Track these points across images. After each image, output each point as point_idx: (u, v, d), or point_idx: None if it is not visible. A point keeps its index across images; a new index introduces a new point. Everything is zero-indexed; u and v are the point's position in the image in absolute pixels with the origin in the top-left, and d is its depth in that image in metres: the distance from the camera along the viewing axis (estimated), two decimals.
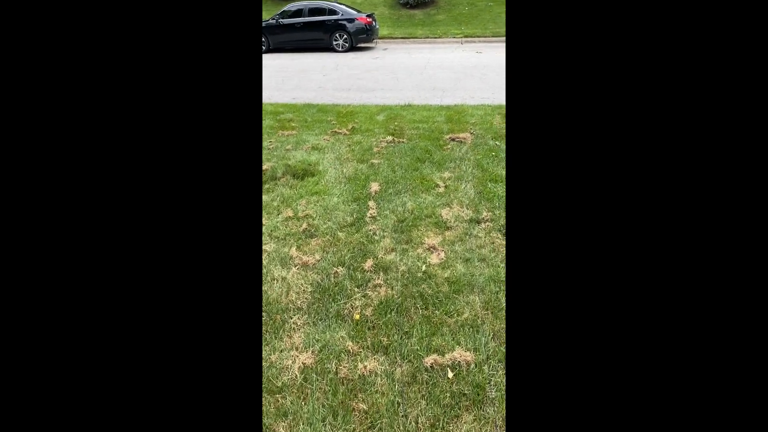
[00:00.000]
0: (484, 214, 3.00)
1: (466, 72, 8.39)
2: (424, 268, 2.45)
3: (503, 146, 4.27)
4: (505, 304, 2.14)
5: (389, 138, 4.59)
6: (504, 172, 3.69)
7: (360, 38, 11.82)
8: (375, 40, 13.09)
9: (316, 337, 1.98)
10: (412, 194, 3.34)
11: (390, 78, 7.99)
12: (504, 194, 3.29)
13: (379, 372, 1.79)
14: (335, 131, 4.96)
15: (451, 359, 1.82)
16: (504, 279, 2.34)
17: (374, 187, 3.46)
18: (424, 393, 1.70)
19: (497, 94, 6.69)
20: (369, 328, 2.03)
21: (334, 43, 11.63)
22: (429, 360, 1.81)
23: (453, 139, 4.52)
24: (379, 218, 3.03)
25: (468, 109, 5.75)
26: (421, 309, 2.15)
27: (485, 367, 1.80)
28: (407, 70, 8.77)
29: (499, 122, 5.10)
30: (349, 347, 1.90)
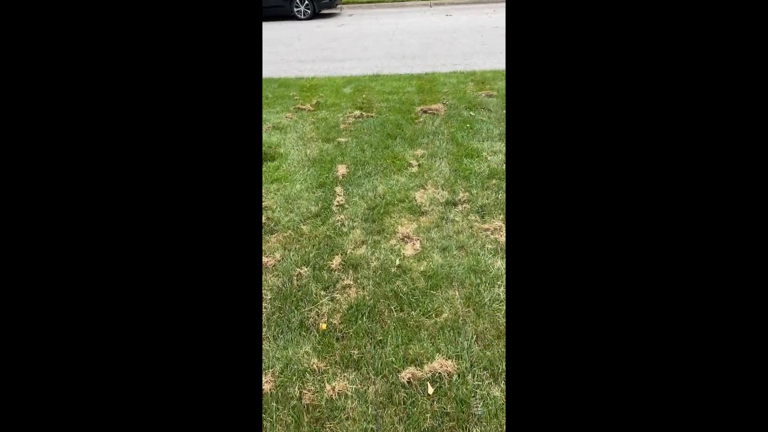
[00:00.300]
0: (461, 194, 2.75)
1: (437, 37, 7.95)
2: (398, 261, 2.20)
3: (478, 116, 4.01)
4: (486, 299, 1.94)
5: (357, 113, 4.24)
6: (480, 145, 3.43)
7: (323, 4, 11.06)
8: (339, 6, 12.32)
9: (277, 355, 1.72)
10: (383, 176, 3.06)
11: (356, 47, 7.48)
12: (480, 170, 3.04)
13: (349, 393, 1.56)
14: (299, 107, 4.55)
15: (430, 371, 1.61)
16: (483, 269, 2.13)
17: (341, 170, 3.15)
18: (401, 415, 1.48)
19: (469, 60, 6.34)
20: (337, 339, 1.79)
21: (296, 10, 10.84)
22: (406, 374, 1.59)
23: (425, 111, 4.20)
24: (347, 206, 2.74)
25: (440, 78, 5.40)
26: (396, 311, 1.92)
27: (469, 378, 1.60)
28: (374, 37, 8.25)
29: (472, 90, 4.80)
30: (315, 365, 1.65)
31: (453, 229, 2.44)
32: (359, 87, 5.17)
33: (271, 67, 6.42)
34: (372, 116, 4.17)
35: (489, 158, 3.20)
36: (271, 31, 9.28)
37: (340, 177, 3.06)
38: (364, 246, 2.34)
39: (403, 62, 6.44)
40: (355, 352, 1.71)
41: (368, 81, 5.42)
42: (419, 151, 3.38)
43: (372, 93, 4.90)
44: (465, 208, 2.63)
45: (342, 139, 3.67)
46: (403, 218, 2.56)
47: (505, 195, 2.72)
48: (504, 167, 3.07)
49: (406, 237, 2.38)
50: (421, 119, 4.02)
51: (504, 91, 4.66)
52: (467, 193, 2.75)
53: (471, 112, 4.13)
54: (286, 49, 7.56)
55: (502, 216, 2.52)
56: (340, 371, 1.64)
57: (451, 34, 8.03)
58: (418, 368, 1.62)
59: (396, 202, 2.72)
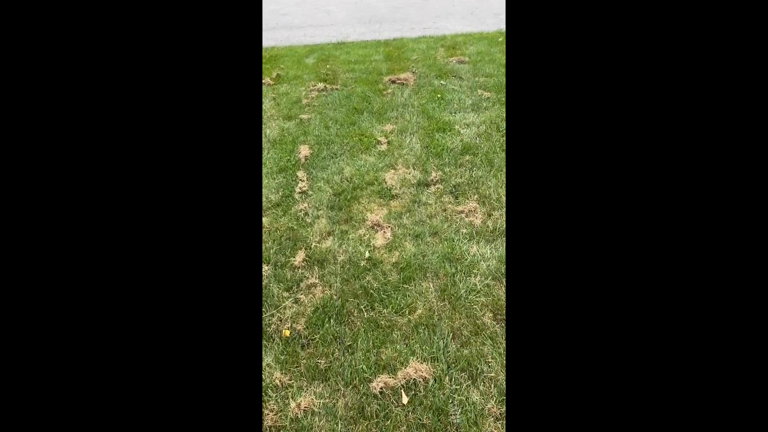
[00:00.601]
0: (433, 174, 2.57)
1: (405, 0, 7.52)
2: (367, 254, 2.03)
3: (449, 85, 3.78)
4: (462, 291, 1.81)
5: (321, 85, 3.93)
6: (452, 118, 3.23)
7: None
8: None
9: None
10: (349, 156, 2.84)
11: (319, 11, 6.97)
12: (453, 146, 2.86)
13: (317, 409, 1.41)
14: None
15: (404, 378, 1.48)
16: (459, 257, 1.99)
17: (304, 151, 2.91)
18: (374, 431, 1.37)
19: (440, 23, 6.00)
20: (302, 347, 1.63)
21: None
22: (378, 383, 1.46)
23: (393, 81, 3.93)
24: (311, 192, 2.53)
25: (408, 44, 5.08)
26: (366, 310, 1.77)
27: (446, 381, 1.48)
28: (339, 0, 7.72)
29: (443, 56, 4.53)
30: (278, 379, 1.50)
31: (426, 213, 2.28)
32: (323, 56, 4.81)
33: None
34: (337, 89, 3.88)
35: (462, 132, 3.01)
36: None
37: (303, 159, 2.82)
38: (331, 238, 2.15)
39: (369, 27, 6.04)
40: (322, 361, 1.56)
41: (332, 50, 5.06)
42: (388, 127, 3.15)
43: (337, 63, 4.56)
44: (438, 188, 2.46)
45: (305, 116, 3.39)
46: (373, 203, 2.38)
47: (480, 173, 2.56)
48: (478, 140, 2.90)
49: (376, 225, 2.20)
50: (390, 90, 3.76)
51: (476, 57, 4.42)
52: (440, 172, 2.58)
53: (442, 81, 3.89)
54: None
55: (477, 196, 2.37)
56: (305, 384, 1.50)
57: None
58: (391, 375, 1.49)
59: (364, 185, 2.52)
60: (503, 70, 3.97)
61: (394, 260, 1.98)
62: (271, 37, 5.87)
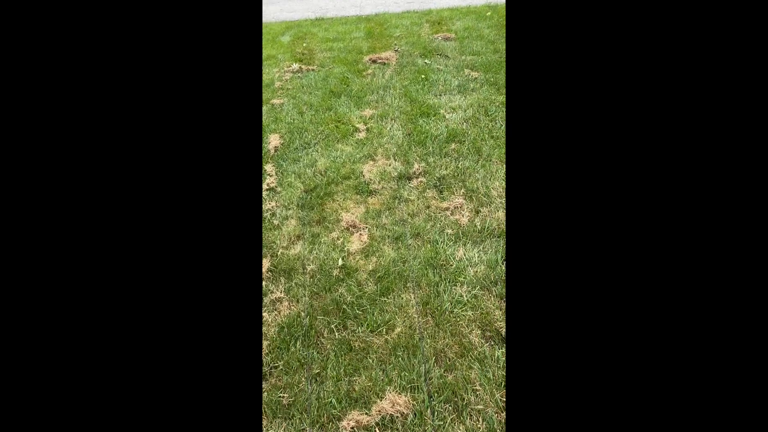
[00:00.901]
0: (416, 165, 2.32)
1: None
2: (341, 261, 1.80)
3: (434, 64, 3.48)
4: (447, 303, 1.59)
5: (296, 66, 3.61)
6: (437, 101, 2.96)
7: None
8: None
9: None
10: (324, 146, 2.57)
11: None
12: (438, 132, 2.60)
13: None
14: None
15: (379, 414, 1.28)
16: (443, 262, 1.77)
17: (274, 141, 2.63)
18: None
19: None
20: (264, 377, 1.42)
21: None
22: (349, 422, 1.25)
23: (374, 61, 3.62)
24: (280, 189, 2.27)
25: (391, 19, 4.73)
26: (338, 329, 1.55)
27: (428, 416, 1.29)
28: None
29: (428, 33, 4.21)
30: None
31: (407, 210, 2.04)
32: (299, 34, 4.45)
33: None
34: (313, 69, 3.56)
35: (447, 116, 2.75)
36: None
37: (272, 150, 2.54)
38: (300, 242, 1.91)
39: (350, 2, 5.64)
40: (286, 395, 1.34)
41: (310, 26, 4.69)
42: (368, 112, 2.87)
43: (314, 41, 4.22)
44: (421, 182, 2.22)
45: (276, 101, 3.09)
46: (349, 200, 2.13)
47: (467, 163, 2.32)
48: (464, 126, 2.65)
49: (351, 226, 1.97)
50: (370, 71, 3.45)
51: (462, 33, 4.11)
52: (423, 163, 2.33)
53: (426, 60, 3.58)
54: None
55: (463, 190, 2.13)
56: (266, 423, 1.29)
57: None
58: (365, 410, 1.29)
59: (340, 179, 2.27)
60: (491, 47, 3.68)
61: (371, 268, 1.76)
62: None
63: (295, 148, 2.53)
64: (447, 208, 2.02)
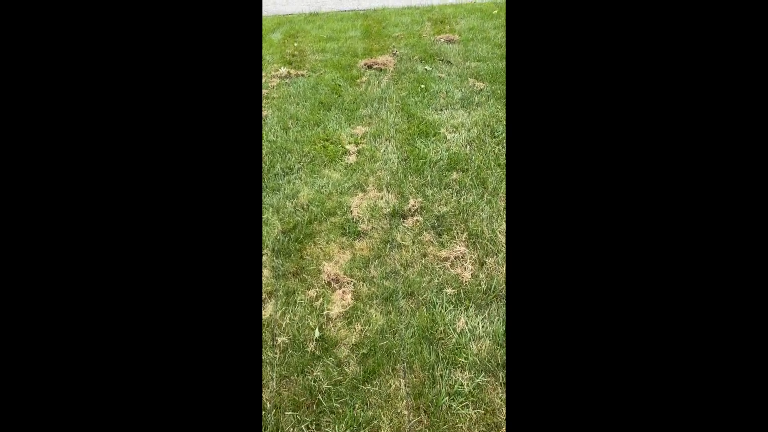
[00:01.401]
0: (412, 201, 1.98)
1: None
2: (318, 332, 1.49)
3: (435, 71, 3.11)
4: (444, 397, 1.28)
5: (284, 70, 3.23)
6: (438, 117, 2.60)
7: None
8: None
9: None
10: (309, 172, 2.22)
11: None
12: (438, 157, 2.26)
13: None
14: None
15: None
16: (441, 335, 1.45)
17: None
18: None
19: None
20: None
21: None
22: None
23: (370, 66, 3.24)
24: None
25: (390, 16, 4.31)
26: (310, 430, 1.26)
27: None
28: None
29: (429, 33, 3.81)
30: None
31: (400, 259, 1.72)
32: (291, 31, 4.04)
33: None
34: (303, 75, 3.18)
35: (449, 137, 2.40)
36: None
37: None
38: (272, 302, 1.59)
39: None
40: None
41: (303, 22, 4.27)
42: (360, 129, 2.52)
43: (306, 40, 3.82)
44: (417, 222, 1.89)
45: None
46: (333, 244, 1.81)
47: (470, 198, 1.99)
48: (468, 149, 2.30)
49: (333, 280, 1.64)
50: (365, 78, 3.08)
51: (467, 34, 3.71)
52: (420, 197, 1.99)
53: (427, 66, 3.20)
54: None
55: (466, 234, 1.80)
56: None
57: None
58: None
59: (324, 216, 1.94)
60: (498, 52, 3.29)
61: (354, 340, 1.44)
62: None
63: (275, 174, 2.19)
64: (446, 258, 1.70)
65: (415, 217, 1.88)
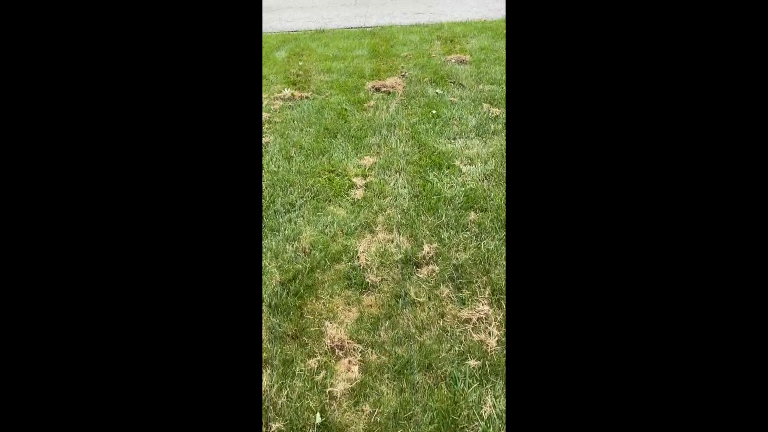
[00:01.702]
0: (426, 246, 1.76)
1: None
2: (319, 417, 1.25)
3: (446, 95, 2.91)
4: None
5: (288, 92, 3.03)
6: (451, 147, 2.39)
7: None
8: None
9: None
10: (313, 208, 2.01)
11: None
12: (454, 194, 2.04)
13: None
14: None
15: None
16: (464, 421, 1.22)
17: None
18: None
19: (435, 7, 5.02)
20: None
21: None
22: None
23: (378, 89, 3.04)
24: None
25: (398, 34, 4.13)
26: None
27: None
28: None
29: (439, 52, 3.62)
30: None
31: (414, 320, 1.49)
32: (296, 49, 3.86)
33: None
34: (308, 97, 2.99)
35: (464, 170, 2.18)
36: None
37: None
38: (267, 372, 1.34)
39: (354, 11, 5.04)
40: None
41: (309, 40, 4.10)
42: (368, 159, 2.31)
43: (312, 59, 3.63)
44: (432, 272, 1.66)
45: (262, 139, 2.54)
46: (337, 298, 1.59)
47: (491, 243, 1.77)
48: (486, 185, 2.09)
49: (338, 346, 1.42)
50: (372, 102, 2.88)
51: (478, 54, 3.53)
52: (435, 242, 1.77)
53: (438, 89, 3.00)
54: None
55: (489, 289, 1.57)
56: None
57: None
58: None
59: (328, 262, 1.72)
60: None
61: (362, 427, 1.21)
62: None
63: (275, 210, 1.97)
64: (468, 320, 1.47)
65: (431, 266, 1.66)
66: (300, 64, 3.54)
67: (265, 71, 3.42)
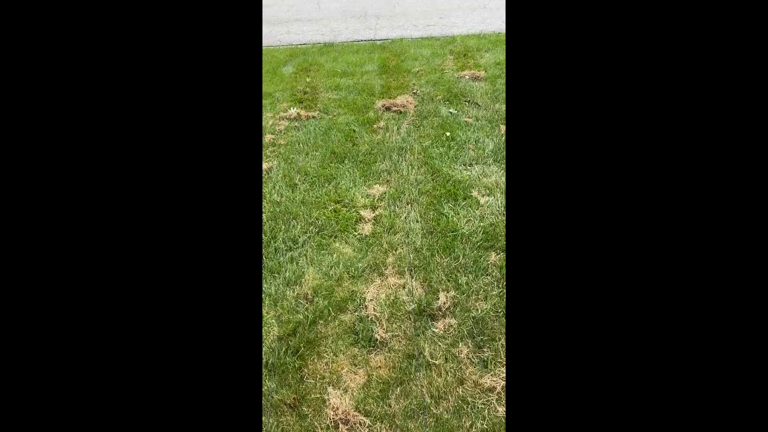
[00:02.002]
0: (442, 294, 1.55)
1: None
2: None
3: (461, 115, 2.71)
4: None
5: (294, 111, 2.87)
6: (467, 174, 2.18)
7: None
8: None
9: None
10: (317, 246, 1.82)
11: (309, 3, 5.74)
12: (471, 229, 1.83)
13: None
14: None
15: None
16: None
17: None
18: None
19: (447, 19, 4.84)
20: None
21: None
22: None
23: (388, 108, 2.86)
24: None
25: (409, 48, 3.96)
26: None
27: None
28: None
29: (452, 68, 3.43)
30: None
31: (429, 388, 1.30)
32: (304, 64, 3.71)
33: None
34: (314, 117, 2.82)
35: (482, 201, 1.99)
36: None
37: None
38: None
39: (364, 23, 4.89)
40: None
41: (317, 54, 3.94)
42: (377, 189, 2.12)
43: (320, 74, 3.48)
44: (449, 326, 1.47)
45: (264, 165, 2.36)
46: (341, 357, 1.40)
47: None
48: (505, 221, 1.90)
49: (342, 420, 1.22)
50: (382, 122, 2.70)
51: (493, 70, 3.33)
52: (452, 289, 1.56)
53: (451, 109, 2.81)
54: None
55: None
56: None
57: None
58: None
59: (332, 311, 1.53)
60: None
61: None
62: None
63: (276, 248, 1.80)
64: (491, 389, 1.27)
65: (447, 319, 1.46)
66: (307, 80, 3.39)
67: (271, 88, 3.28)
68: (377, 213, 1.93)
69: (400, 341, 1.40)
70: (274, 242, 1.80)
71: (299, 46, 4.27)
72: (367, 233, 1.83)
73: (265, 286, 1.61)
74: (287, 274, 1.65)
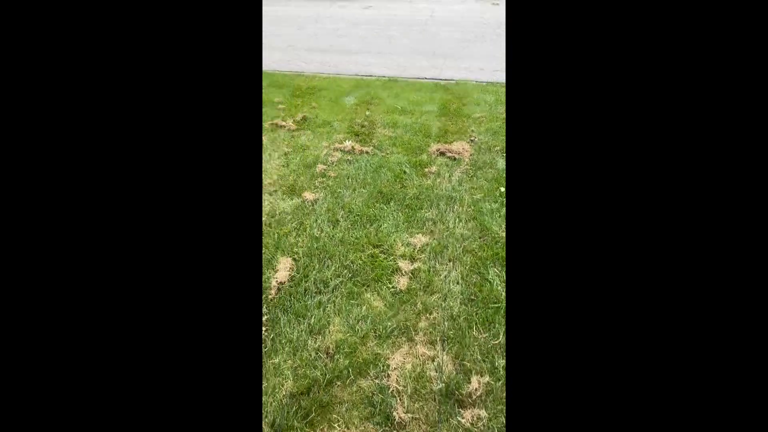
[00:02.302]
0: (475, 379, 1.39)
1: (478, 32, 6.23)
2: None
3: None
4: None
5: (349, 144, 2.85)
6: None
7: None
8: None
9: None
10: (347, 293, 1.70)
11: (380, 36, 5.90)
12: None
13: None
14: (277, 123, 3.18)
15: None
16: None
17: (282, 271, 1.81)
18: None
19: None
20: None
21: None
22: None
23: (443, 153, 2.76)
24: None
25: (473, 91, 3.88)
26: None
27: None
28: (404, 26, 6.59)
29: None
30: None
31: None
32: (366, 96, 3.74)
33: (275, 55, 5.01)
34: (368, 152, 2.78)
35: None
36: (289, 8, 7.76)
37: (274, 289, 1.73)
38: None
39: (431, 62, 4.90)
40: None
41: (380, 88, 3.97)
42: (419, 238, 2.00)
43: (379, 109, 3.47)
44: (478, 418, 1.27)
45: (310, 195, 2.32)
46: (354, 431, 1.27)
47: None
48: None
49: None
50: (435, 167, 2.59)
51: None
52: (487, 372, 1.35)
53: None
54: (298, 32, 6.07)
55: None
56: None
57: (495, 29, 6.30)
58: None
59: (351, 374, 1.39)
60: None
61: None
62: (320, 61, 4.90)
63: (306, 288, 1.71)
64: None
65: (477, 410, 1.28)
66: (367, 113, 3.39)
67: (330, 116, 3.31)
68: (416, 266, 1.80)
69: (420, 426, 1.23)
70: (305, 282, 1.72)
71: (365, 77, 4.34)
72: (402, 288, 1.69)
73: (288, 330, 1.51)
74: (312, 320, 1.55)
